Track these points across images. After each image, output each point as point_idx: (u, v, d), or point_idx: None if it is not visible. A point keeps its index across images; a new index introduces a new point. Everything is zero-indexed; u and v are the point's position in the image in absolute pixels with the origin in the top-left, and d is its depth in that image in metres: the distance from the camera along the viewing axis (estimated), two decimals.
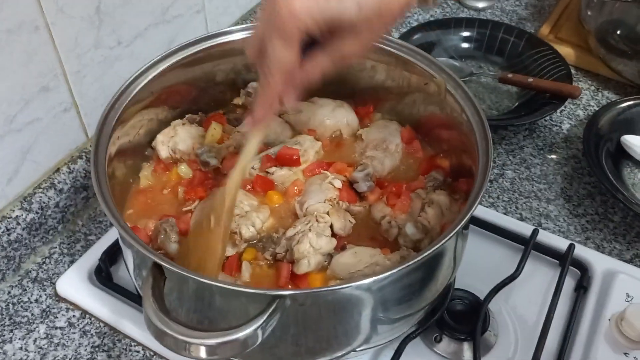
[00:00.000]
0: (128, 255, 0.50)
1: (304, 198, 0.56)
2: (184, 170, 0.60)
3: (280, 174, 0.58)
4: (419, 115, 0.64)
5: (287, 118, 0.65)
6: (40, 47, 0.58)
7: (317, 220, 0.53)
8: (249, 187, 0.58)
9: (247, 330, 0.39)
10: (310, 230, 0.51)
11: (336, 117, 0.64)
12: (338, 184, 0.56)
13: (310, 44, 0.41)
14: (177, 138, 0.61)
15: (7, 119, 0.58)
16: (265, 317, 0.39)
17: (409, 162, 0.62)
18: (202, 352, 0.38)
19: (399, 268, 0.41)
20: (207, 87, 0.65)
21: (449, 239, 0.44)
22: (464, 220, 0.45)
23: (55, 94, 0.62)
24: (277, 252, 0.52)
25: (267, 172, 0.59)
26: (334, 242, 0.52)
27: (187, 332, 0.39)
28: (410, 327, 0.52)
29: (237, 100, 0.66)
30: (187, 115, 0.64)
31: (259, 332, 0.39)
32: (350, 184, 0.58)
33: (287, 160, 0.58)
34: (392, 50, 0.60)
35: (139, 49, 0.70)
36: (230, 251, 0.52)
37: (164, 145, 0.61)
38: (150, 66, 0.58)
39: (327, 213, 0.54)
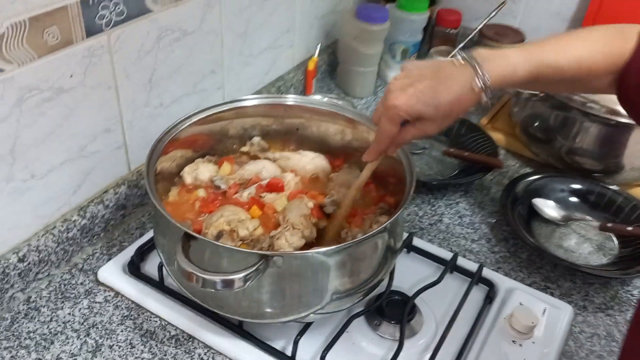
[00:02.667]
0: (161, 235, 0.72)
1: (286, 213, 0.78)
2: (201, 193, 0.83)
3: (269, 197, 0.81)
4: (375, 167, 0.88)
5: (278, 163, 0.89)
6: (109, 101, 0.83)
7: (292, 228, 0.75)
8: (247, 206, 0.81)
9: (239, 275, 0.60)
10: (287, 231, 0.73)
11: (315, 164, 0.88)
12: (311, 204, 0.78)
13: (406, 121, 0.66)
14: (198, 171, 0.85)
15: (80, 147, 0.82)
16: (252, 270, 0.61)
17: (365, 199, 0.86)
18: (211, 285, 0.60)
19: (343, 245, 0.64)
20: (222, 139, 0.89)
21: (375, 233, 0.66)
22: (388, 222, 0.67)
23: (113, 134, 0.86)
24: (262, 246, 0.74)
25: (260, 197, 0.82)
26: (303, 241, 0.74)
27: (202, 272, 0.60)
28: (355, 302, 0.73)
29: (244, 149, 0.90)
30: (206, 156, 0.88)
31: (247, 278, 0.60)
32: (320, 207, 0.81)
33: (275, 187, 0.81)
34: (359, 120, 0.85)
35: (174, 110, 0.95)
36: (228, 244, 0.74)
37: (188, 175, 0.84)
38: (182, 121, 0.82)
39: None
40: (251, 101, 0.87)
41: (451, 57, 1.01)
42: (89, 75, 0.78)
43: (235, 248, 0.65)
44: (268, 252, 0.64)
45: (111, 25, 0.78)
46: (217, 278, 0.60)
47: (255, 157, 0.90)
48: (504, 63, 0.63)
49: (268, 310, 0.69)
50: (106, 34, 0.78)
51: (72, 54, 0.74)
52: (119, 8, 0.77)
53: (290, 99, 0.88)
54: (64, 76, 0.74)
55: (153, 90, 0.90)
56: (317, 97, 0.89)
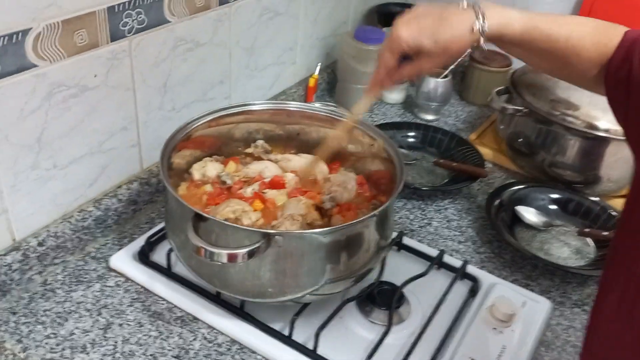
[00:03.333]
0: (173, 213, 0.79)
1: (285, 210, 0.85)
2: (208, 188, 0.90)
3: (271, 193, 0.88)
4: (369, 169, 0.95)
5: (280, 164, 0.96)
6: (127, 102, 0.91)
7: (292, 218, 0.82)
8: (250, 200, 0.87)
9: (244, 250, 0.67)
10: (287, 220, 0.80)
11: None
12: (308, 203, 0.85)
13: (405, 58, 0.71)
14: (206, 168, 0.92)
15: (99, 143, 0.89)
16: (255, 246, 0.67)
17: (359, 198, 0.92)
18: (218, 258, 0.66)
19: (338, 226, 0.70)
20: (228, 141, 0.96)
21: (366, 218, 0.73)
22: (379, 210, 0.74)
23: (129, 133, 0.94)
24: None
25: (263, 192, 0.89)
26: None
27: (211, 246, 0.67)
28: (348, 287, 0.79)
29: (248, 150, 0.97)
30: (214, 156, 0.95)
31: (250, 253, 0.67)
32: (316, 207, 0.87)
33: (276, 185, 0.88)
34: (357, 126, 0.93)
35: (185, 114, 1.02)
36: None
37: (197, 171, 0.91)
38: (194, 120, 0.89)
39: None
40: (257, 106, 0.94)
41: (443, 77, 1.11)
42: (110, 76, 0.86)
43: (240, 226, 0.72)
44: (270, 231, 0.71)
45: (133, 32, 0.86)
46: (224, 251, 0.67)
47: (258, 158, 0.97)
48: (503, 14, 0.68)
49: (269, 289, 0.75)
50: (128, 39, 0.86)
51: (97, 55, 0.82)
52: (140, 17, 0.86)
53: (292, 105, 0.95)
54: (89, 75, 0.82)
55: (167, 95, 0.98)
56: (317, 104, 0.97)
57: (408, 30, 0.69)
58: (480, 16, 0.67)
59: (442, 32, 0.68)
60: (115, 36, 0.83)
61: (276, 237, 0.69)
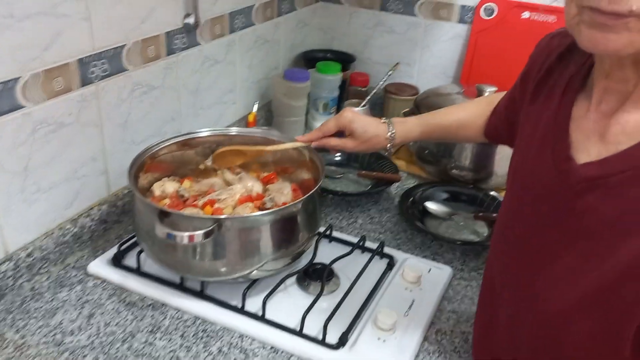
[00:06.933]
0: (141, 216, 0.97)
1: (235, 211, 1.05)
2: (167, 202, 1.09)
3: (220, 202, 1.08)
4: (302, 178, 1.16)
5: (227, 181, 1.16)
6: (96, 136, 1.10)
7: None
8: (202, 207, 1.07)
9: (200, 232, 0.86)
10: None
11: (247, 183, 1.16)
12: (253, 206, 1.05)
13: (340, 134, 1.03)
14: (165, 186, 1.11)
15: (74, 171, 1.08)
16: (209, 229, 0.87)
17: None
18: (180, 239, 0.85)
19: (274, 209, 0.91)
20: (183, 162, 1.17)
21: (299, 201, 0.94)
22: (305, 196, 0.96)
23: (98, 163, 1.13)
24: None
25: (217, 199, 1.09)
26: None
27: (174, 231, 0.86)
28: (287, 264, 0.99)
29: (201, 167, 1.17)
30: (170, 176, 1.15)
31: (206, 234, 0.86)
32: (260, 209, 1.08)
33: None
34: (286, 142, 1.15)
35: (144, 147, 1.22)
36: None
37: (158, 189, 1.10)
38: (155, 145, 1.09)
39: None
40: (203, 133, 1.15)
41: (363, 106, 1.42)
42: (81, 115, 1.05)
43: (196, 215, 0.92)
44: (220, 217, 0.91)
45: (99, 78, 1.07)
46: (185, 234, 0.86)
47: (208, 174, 1.17)
48: (404, 127, 1.07)
49: (222, 269, 0.94)
50: (95, 85, 1.06)
51: (71, 98, 1.02)
52: (104, 66, 1.07)
53: (234, 130, 1.17)
54: (65, 114, 1.02)
55: (128, 130, 1.18)
56: (254, 128, 1.19)
57: (352, 115, 1.05)
58: (390, 130, 1.06)
59: (370, 129, 1.05)
60: (85, 82, 1.04)
61: (226, 221, 0.89)
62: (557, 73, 0.75)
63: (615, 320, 0.64)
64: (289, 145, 1.08)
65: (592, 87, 0.68)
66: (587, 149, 0.66)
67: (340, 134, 1.06)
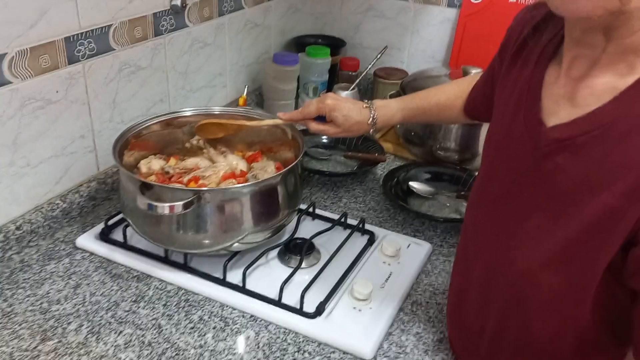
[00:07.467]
0: (126, 190, 1.00)
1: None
2: (153, 178, 1.12)
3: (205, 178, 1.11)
4: (285, 157, 1.19)
5: (212, 159, 1.19)
6: (84, 114, 1.13)
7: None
8: (187, 183, 1.09)
9: (180, 202, 0.89)
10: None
11: (231, 161, 1.18)
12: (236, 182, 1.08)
13: (321, 118, 1.05)
14: (151, 163, 1.14)
15: (62, 147, 1.10)
16: (189, 199, 0.90)
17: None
18: (161, 210, 0.88)
19: (253, 182, 0.94)
20: (169, 141, 1.19)
21: (277, 175, 0.97)
22: (285, 169, 0.98)
23: (86, 140, 1.16)
24: None
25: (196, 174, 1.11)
26: None
27: (155, 202, 0.89)
28: (267, 237, 1.02)
29: (187, 145, 1.20)
30: (157, 154, 1.17)
31: (185, 205, 0.89)
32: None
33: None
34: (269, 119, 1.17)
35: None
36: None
37: (144, 165, 1.13)
38: (140, 123, 1.12)
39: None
40: (188, 112, 1.18)
41: (351, 89, 1.44)
42: (69, 93, 1.08)
43: (177, 187, 0.95)
44: (200, 188, 0.93)
45: (86, 57, 1.09)
46: (166, 204, 0.89)
47: (194, 153, 1.20)
48: (386, 111, 1.10)
49: (205, 241, 0.97)
50: (82, 63, 1.09)
51: (58, 75, 1.05)
52: (91, 45, 1.09)
53: (217, 109, 1.20)
54: (52, 91, 1.05)
55: (116, 110, 1.20)
56: (238, 107, 1.21)
57: (334, 101, 1.06)
58: (373, 114, 1.08)
59: (351, 116, 1.07)
60: (71, 60, 1.06)
61: (205, 193, 0.92)
62: (533, 43, 0.77)
63: (579, 275, 0.66)
64: (270, 122, 1.10)
65: (563, 54, 0.70)
66: (557, 113, 0.68)
67: (322, 117, 1.08)
